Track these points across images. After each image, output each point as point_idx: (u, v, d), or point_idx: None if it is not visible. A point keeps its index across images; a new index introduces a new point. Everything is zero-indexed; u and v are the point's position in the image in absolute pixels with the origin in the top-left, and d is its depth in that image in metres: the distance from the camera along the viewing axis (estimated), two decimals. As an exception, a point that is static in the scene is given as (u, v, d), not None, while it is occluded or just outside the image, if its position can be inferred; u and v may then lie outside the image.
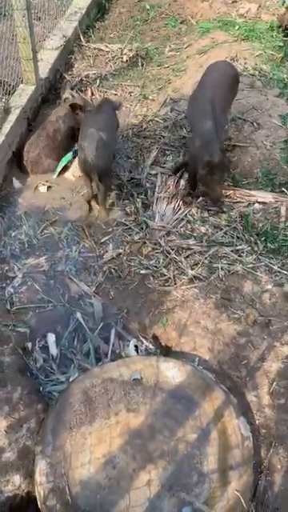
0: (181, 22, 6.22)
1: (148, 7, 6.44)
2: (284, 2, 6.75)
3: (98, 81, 5.07)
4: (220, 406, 2.47)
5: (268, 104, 4.76)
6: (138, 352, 2.97)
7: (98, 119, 3.76)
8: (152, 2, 6.58)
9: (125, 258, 3.57)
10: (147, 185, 4.12)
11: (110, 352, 3.03)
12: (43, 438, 2.41)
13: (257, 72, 5.24)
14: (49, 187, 4.10)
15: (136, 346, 2.99)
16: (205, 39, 5.79)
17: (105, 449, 2.38)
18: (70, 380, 2.78)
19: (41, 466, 2.29)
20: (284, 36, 5.81)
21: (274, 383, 2.78)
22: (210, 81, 3.96)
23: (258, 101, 4.81)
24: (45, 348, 3.03)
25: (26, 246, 3.60)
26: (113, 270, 3.48)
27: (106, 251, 3.61)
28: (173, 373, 2.64)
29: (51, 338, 3.07)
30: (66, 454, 2.35)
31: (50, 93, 4.92)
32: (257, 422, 2.64)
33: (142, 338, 3.13)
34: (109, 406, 2.53)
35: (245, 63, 5.36)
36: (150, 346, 3.09)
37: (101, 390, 2.59)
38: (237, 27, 5.98)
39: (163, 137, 4.56)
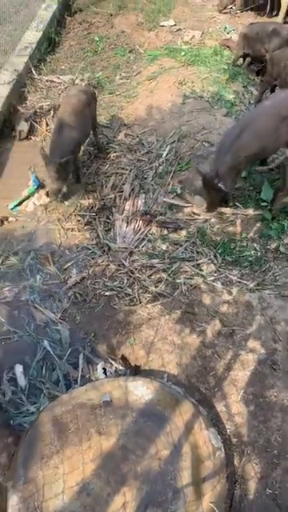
0: (129, 51, 6.49)
1: (97, 39, 6.69)
2: (226, 28, 7.19)
3: (51, 112, 5.18)
4: (190, 419, 2.50)
5: (217, 123, 4.99)
6: (106, 374, 2.97)
7: None
8: (101, 34, 6.85)
9: (89, 281, 3.60)
10: (107, 208, 4.20)
11: (79, 377, 3.01)
12: (14, 471, 2.36)
13: (204, 94, 5.50)
14: (4, 220, 4.10)
15: (104, 369, 2.99)
16: (153, 66, 6.06)
17: (78, 476, 2.35)
18: (40, 409, 2.74)
19: (12, 502, 2.23)
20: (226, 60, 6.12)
21: (242, 391, 2.84)
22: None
23: (207, 121, 5.04)
24: (13, 380, 2.99)
25: (-12, 278, 3.58)
26: (78, 295, 3.50)
27: (70, 276, 3.63)
28: (141, 391, 2.65)
29: (19, 369, 3.03)
30: (38, 486, 2.30)
31: (4, 126, 4.98)
32: (228, 431, 2.68)
33: (110, 360, 3.13)
34: (80, 432, 2.51)
35: (192, 86, 5.63)
36: (120, 367, 3.10)
37: (71, 416, 2.57)
38: (183, 53, 6.30)
39: (119, 161, 4.69)
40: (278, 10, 7.34)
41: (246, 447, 2.60)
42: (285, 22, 7.23)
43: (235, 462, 2.55)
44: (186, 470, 2.34)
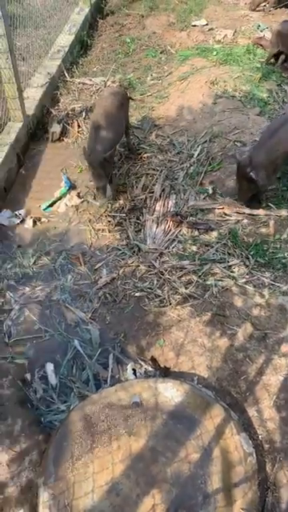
0: (161, 52, 6.48)
1: (128, 40, 6.73)
2: (259, 26, 7.07)
3: (83, 113, 5.25)
4: (221, 423, 2.46)
5: (249, 123, 4.91)
6: (136, 375, 2.96)
7: None
8: (132, 36, 6.87)
9: (119, 282, 3.61)
10: (137, 209, 4.21)
11: (109, 377, 3.03)
12: (45, 469, 2.40)
13: (237, 93, 5.42)
14: (37, 221, 4.17)
15: (134, 370, 2.99)
16: (185, 66, 6.02)
17: (108, 476, 2.36)
18: (70, 408, 2.77)
19: (43, 498, 2.27)
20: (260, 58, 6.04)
21: (275, 396, 2.77)
22: None
23: (239, 120, 4.96)
24: (44, 378, 3.03)
25: (21, 276, 3.65)
26: (108, 295, 3.51)
27: (101, 277, 3.65)
28: (171, 393, 2.64)
29: (50, 367, 3.08)
30: (68, 484, 2.33)
31: (37, 128, 5.08)
32: (259, 436, 2.62)
33: (140, 361, 3.13)
34: (110, 432, 2.52)
35: (225, 86, 5.56)
36: (149, 369, 3.09)
37: (101, 416, 2.58)
38: (215, 53, 6.23)
39: (150, 162, 4.69)
40: (314, 6, 7.17)
41: (279, 454, 2.53)
42: None
43: (267, 469, 2.49)
44: (217, 475, 2.30)
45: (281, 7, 7.50)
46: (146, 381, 2.75)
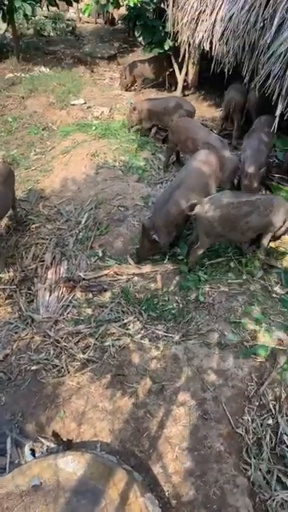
0: (43, 129, 6.82)
1: (10, 120, 6.99)
2: (131, 103, 7.87)
3: None
4: (124, 488, 2.40)
5: (130, 189, 5.31)
6: (34, 455, 2.79)
7: None
8: (14, 115, 7.16)
9: (13, 357, 3.47)
10: (28, 279, 4.17)
11: (7, 464, 2.80)
12: None
13: (116, 163, 5.87)
14: None
15: (32, 450, 2.82)
16: (66, 141, 6.40)
17: None
18: None
19: None
20: (134, 131, 6.70)
21: (177, 448, 2.80)
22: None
23: (120, 187, 5.34)
24: None
25: None
26: (1, 374, 3.34)
27: (-8, 355, 3.48)
28: (72, 466, 2.53)
29: None
30: None
31: None
32: (166, 493, 2.59)
33: (41, 439, 2.96)
34: (8, 527, 2.30)
35: (105, 157, 5.99)
36: (52, 445, 2.94)
37: (-3, 510, 2.36)
38: (94, 128, 6.75)
39: (39, 232, 4.75)
40: (176, 86, 8.28)
41: (186, 507, 2.52)
42: (184, 95, 8.14)
43: (177, 527, 2.45)
44: None
45: (148, 87, 8.51)
46: (45, 459, 2.61)
